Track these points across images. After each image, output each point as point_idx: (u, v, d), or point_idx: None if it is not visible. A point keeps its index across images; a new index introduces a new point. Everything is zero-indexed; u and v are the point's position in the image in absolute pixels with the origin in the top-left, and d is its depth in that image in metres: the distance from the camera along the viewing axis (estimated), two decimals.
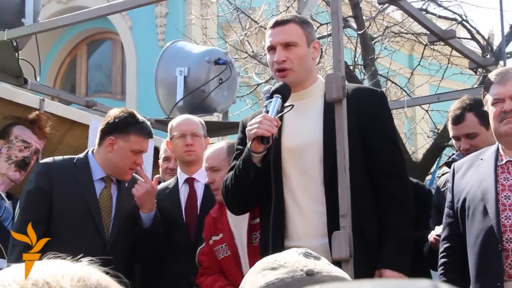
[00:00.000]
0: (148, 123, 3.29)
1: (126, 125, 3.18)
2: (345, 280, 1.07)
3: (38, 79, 4.31)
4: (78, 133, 4.36)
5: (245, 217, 3.00)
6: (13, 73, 4.03)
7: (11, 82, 4.10)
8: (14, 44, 3.86)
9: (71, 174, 3.18)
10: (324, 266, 1.07)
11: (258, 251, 2.97)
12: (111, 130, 3.19)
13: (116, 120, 3.19)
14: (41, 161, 3.38)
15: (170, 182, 3.57)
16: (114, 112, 3.26)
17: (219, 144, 3.23)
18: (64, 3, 12.90)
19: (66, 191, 3.14)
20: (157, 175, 3.34)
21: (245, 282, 1.09)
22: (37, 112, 4.01)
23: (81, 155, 3.28)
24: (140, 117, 3.24)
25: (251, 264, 2.95)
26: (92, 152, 3.26)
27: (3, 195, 3.82)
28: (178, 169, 3.56)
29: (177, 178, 3.52)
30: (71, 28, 12.43)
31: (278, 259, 1.07)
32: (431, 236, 2.91)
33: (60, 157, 3.29)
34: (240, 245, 3.04)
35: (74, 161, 3.24)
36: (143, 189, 3.18)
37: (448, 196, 2.73)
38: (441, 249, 2.71)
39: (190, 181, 3.46)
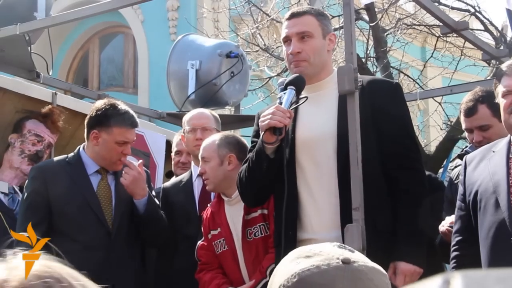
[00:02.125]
0: (132, 112, 3.27)
1: (107, 118, 3.18)
2: (381, 271, 1.04)
3: (50, 73, 4.33)
4: None
5: (241, 212, 3.02)
6: (25, 67, 4.05)
7: (24, 76, 4.11)
8: (27, 38, 3.87)
9: (65, 173, 3.21)
10: (359, 256, 1.05)
11: (252, 247, 2.98)
12: (94, 123, 3.21)
13: (98, 113, 3.20)
14: (34, 166, 3.43)
15: (184, 175, 3.59)
16: (97, 105, 3.27)
17: (213, 136, 3.24)
18: None
19: (63, 190, 3.18)
20: (141, 160, 3.34)
21: (277, 272, 1.07)
22: (50, 106, 4.03)
23: (72, 153, 3.31)
24: (122, 107, 3.23)
25: (246, 260, 2.99)
26: (83, 147, 3.29)
27: (17, 189, 3.84)
28: (192, 163, 3.57)
29: (191, 172, 3.53)
30: (83, 22, 12.45)
31: (313, 249, 1.05)
32: (443, 226, 2.90)
33: (52, 159, 3.35)
34: (236, 239, 3.05)
35: (67, 159, 3.28)
36: (130, 176, 3.19)
37: (460, 189, 2.71)
38: (453, 242, 2.70)
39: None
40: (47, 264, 0.83)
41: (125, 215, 3.23)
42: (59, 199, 3.16)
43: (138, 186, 3.21)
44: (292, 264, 1.03)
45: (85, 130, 3.26)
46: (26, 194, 3.22)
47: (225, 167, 3.08)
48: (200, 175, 3.20)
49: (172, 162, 3.98)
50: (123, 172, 3.22)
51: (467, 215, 2.65)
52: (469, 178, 2.66)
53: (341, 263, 1.00)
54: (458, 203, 2.71)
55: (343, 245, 1.09)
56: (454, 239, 2.69)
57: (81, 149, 3.30)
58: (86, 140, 3.27)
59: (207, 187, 3.16)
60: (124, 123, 3.19)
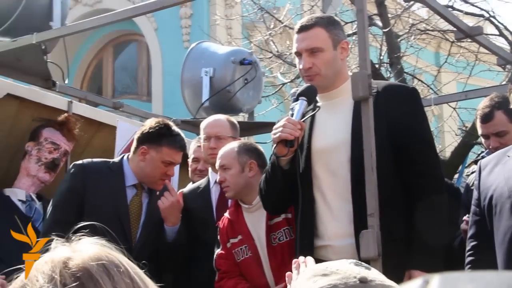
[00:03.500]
0: (183, 135, 3.33)
1: (159, 137, 3.22)
2: None
3: (66, 82, 4.36)
4: (106, 135, 4.41)
5: (263, 218, 3.02)
6: (42, 76, 4.08)
7: (40, 85, 4.15)
8: (43, 47, 3.91)
9: (105, 178, 3.23)
10: (376, 275, 1.05)
11: (278, 252, 2.98)
12: (145, 139, 3.25)
13: (151, 130, 3.25)
14: (77, 162, 3.43)
15: (201, 182, 3.60)
16: (151, 122, 3.32)
17: (231, 143, 3.24)
18: (90, 5, 13.03)
19: (98, 194, 3.18)
20: (181, 190, 3.38)
21: (293, 286, 1.08)
22: (66, 114, 4.06)
23: (116, 160, 3.34)
24: (175, 129, 3.29)
25: (272, 265, 2.99)
26: (127, 158, 3.31)
27: (34, 197, 3.87)
28: (209, 170, 3.58)
29: (209, 178, 3.54)
30: (97, 31, 12.54)
31: (329, 267, 1.04)
32: (464, 224, 2.87)
33: (96, 160, 3.35)
34: (260, 246, 3.04)
35: (109, 165, 3.30)
36: (168, 202, 3.22)
37: (475, 194, 2.70)
38: (468, 247, 2.68)
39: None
40: (107, 250, 0.91)
41: (150, 235, 3.24)
42: (93, 202, 3.16)
43: (173, 213, 3.24)
44: (309, 282, 1.03)
45: (134, 144, 3.30)
46: (63, 188, 3.22)
47: (246, 174, 3.09)
48: (219, 183, 3.21)
49: (189, 169, 3.99)
50: (163, 195, 3.24)
51: (482, 220, 2.63)
52: (484, 183, 2.65)
53: (358, 282, 0.99)
54: (472, 208, 2.69)
55: (360, 262, 1.08)
56: (469, 244, 2.68)
57: (124, 158, 3.32)
58: (132, 153, 3.30)
59: (226, 195, 3.15)
60: (174, 145, 3.24)
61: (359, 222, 2.54)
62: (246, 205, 3.09)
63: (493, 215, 2.57)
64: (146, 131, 3.26)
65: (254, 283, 3.05)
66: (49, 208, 3.24)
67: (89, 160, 3.32)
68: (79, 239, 0.93)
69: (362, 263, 1.08)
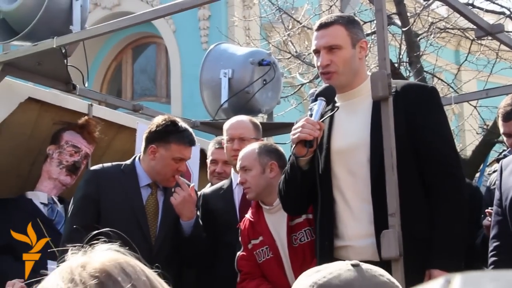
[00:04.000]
0: (191, 130, 3.31)
1: (167, 134, 3.22)
2: (387, 278, 1.12)
3: (86, 85, 4.40)
4: (126, 137, 4.43)
5: (284, 218, 3.01)
6: (62, 80, 4.11)
7: (61, 88, 4.18)
8: (63, 51, 3.94)
9: (119, 181, 3.24)
10: (366, 264, 1.12)
11: (299, 252, 2.97)
12: (153, 138, 3.25)
13: (158, 128, 3.24)
14: (90, 168, 3.46)
15: (224, 183, 3.60)
16: (157, 120, 3.31)
17: (252, 145, 3.24)
18: (109, 9, 13.12)
19: (114, 198, 3.20)
20: (193, 184, 3.37)
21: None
22: (86, 117, 4.09)
23: (128, 162, 3.34)
24: (182, 125, 3.27)
25: (293, 265, 2.98)
26: (139, 158, 3.32)
27: (56, 199, 3.90)
28: (232, 171, 3.58)
29: (231, 179, 3.54)
30: (116, 34, 12.62)
31: (319, 267, 1.11)
32: (487, 221, 2.85)
33: (108, 164, 3.36)
34: (281, 247, 3.04)
35: (122, 167, 3.31)
36: (180, 197, 3.21)
37: (496, 194, 2.67)
38: (490, 248, 2.66)
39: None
40: (122, 253, 0.94)
41: (169, 233, 3.25)
42: (109, 207, 3.19)
43: (186, 207, 3.23)
44: (305, 280, 1.08)
45: (143, 143, 3.30)
46: (78, 196, 3.25)
47: (267, 175, 3.09)
48: (240, 184, 3.20)
49: (208, 171, 4.00)
50: (174, 191, 3.24)
51: (504, 220, 2.61)
52: (506, 183, 2.62)
53: (351, 267, 1.07)
54: (494, 208, 2.67)
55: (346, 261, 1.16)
56: (492, 245, 2.65)
57: (136, 160, 3.33)
58: (142, 153, 3.31)
59: (248, 196, 3.15)
60: (182, 141, 3.23)
61: (380, 222, 2.53)
62: (267, 206, 3.09)
63: None
64: (153, 129, 3.25)
65: (276, 284, 3.05)
66: (68, 218, 3.28)
67: (101, 165, 3.35)
68: (93, 247, 0.95)
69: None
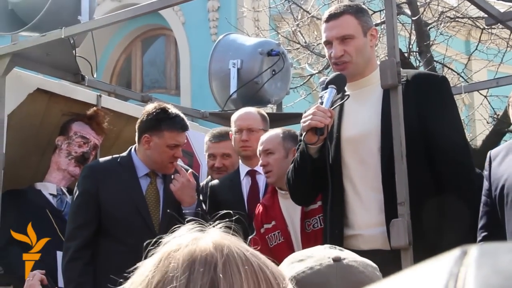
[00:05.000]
0: (182, 116, 3.29)
1: (159, 122, 3.21)
2: (371, 265, 1.14)
3: (95, 76, 4.40)
4: (135, 128, 4.42)
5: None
6: (71, 70, 4.11)
7: (70, 79, 4.18)
8: (71, 41, 3.94)
9: (117, 174, 3.25)
10: (349, 254, 1.14)
11: (311, 238, 2.97)
12: (145, 127, 3.24)
13: (149, 117, 3.23)
14: (86, 165, 3.48)
15: (231, 174, 3.59)
16: (148, 108, 3.30)
17: (275, 129, 3.26)
18: (118, 1, 13.11)
19: (113, 191, 3.21)
20: (190, 170, 3.36)
21: None
22: (95, 108, 4.09)
23: (124, 154, 3.34)
24: (172, 111, 3.25)
25: None
26: (135, 149, 3.32)
27: (65, 190, 3.92)
28: (240, 162, 3.58)
29: (239, 171, 3.53)
30: (125, 26, 12.62)
31: (305, 253, 1.13)
32: None
33: (105, 158, 3.38)
34: (293, 232, 3.05)
35: (118, 160, 3.31)
36: (179, 183, 3.21)
37: (485, 184, 2.65)
38: (479, 238, 2.64)
39: (252, 173, 3.48)
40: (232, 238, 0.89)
41: (172, 220, 3.25)
42: (109, 200, 3.20)
43: (186, 193, 3.23)
44: (288, 269, 1.10)
45: (136, 134, 3.30)
46: (77, 193, 3.26)
47: (289, 160, 3.07)
48: (262, 166, 3.19)
49: (207, 165, 3.95)
50: (173, 178, 3.24)
51: (493, 210, 2.59)
52: (495, 173, 2.61)
53: (332, 261, 1.09)
54: (483, 198, 2.65)
55: (334, 246, 1.17)
56: (480, 235, 2.63)
57: (132, 151, 3.33)
58: (137, 143, 3.30)
59: (268, 180, 3.15)
60: (174, 127, 3.22)
61: (390, 211, 2.52)
62: (283, 191, 3.09)
63: (505, 205, 2.52)
64: (145, 119, 3.25)
65: None
66: (69, 215, 3.30)
67: (97, 160, 3.36)
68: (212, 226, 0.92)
69: (336, 246, 1.18)
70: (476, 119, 9.46)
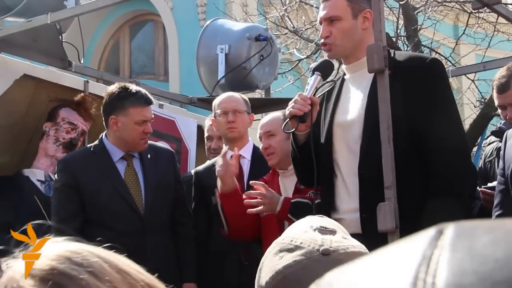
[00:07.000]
0: (144, 91, 3.28)
1: (122, 100, 3.19)
2: (363, 254, 1.10)
3: (82, 61, 4.37)
4: None
5: (294, 181, 3.06)
6: (57, 56, 4.09)
7: (56, 65, 4.17)
8: (58, 27, 3.91)
9: (92, 163, 3.24)
10: (340, 242, 1.11)
11: None
12: (110, 109, 3.23)
13: (111, 98, 3.21)
14: (61, 159, 3.47)
15: (216, 159, 3.60)
16: (109, 89, 3.28)
17: (275, 113, 3.29)
18: None
19: (92, 181, 3.20)
20: (197, 168, 3.37)
21: (263, 262, 1.14)
22: (82, 94, 4.08)
23: (96, 142, 3.33)
24: (133, 87, 3.24)
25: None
26: (105, 135, 3.31)
27: (53, 176, 3.91)
28: (224, 146, 3.58)
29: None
30: (113, 12, 12.53)
31: (294, 239, 1.11)
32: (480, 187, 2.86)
33: (77, 150, 3.37)
34: None
35: (92, 149, 3.30)
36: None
37: (500, 164, 2.69)
38: (493, 217, 2.67)
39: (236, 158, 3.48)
40: (69, 244, 0.85)
41: (157, 199, 3.26)
42: (90, 190, 3.19)
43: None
44: (276, 258, 1.10)
45: (103, 118, 3.28)
46: (56, 187, 3.26)
47: (290, 142, 3.11)
48: (263, 150, 3.20)
49: (205, 147, 4.00)
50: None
51: (506, 189, 2.62)
52: (509, 152, 2.64)
53: (321, 255, 1.07)
54: (498, 177, 2.68)
55: (324, 226, 1.14)
56: (495, 214, 2.66)
57: (103, 137, 3.31)
58: (106, 128, 3.29)
59: (270, 162, 3.16)
60: (138, 102, 3.20)
61: (364, 197, 2.55)
62: (281, 170, 3.15)
63: None
64: (108, 100, 3.23)
65: (270, 241, 3.07)
66: (52, 209, 3.29)
67: (70, 153, 3.34)
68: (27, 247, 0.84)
69: (327, 226, 1.14)
70: (464, 103, 9.49)
